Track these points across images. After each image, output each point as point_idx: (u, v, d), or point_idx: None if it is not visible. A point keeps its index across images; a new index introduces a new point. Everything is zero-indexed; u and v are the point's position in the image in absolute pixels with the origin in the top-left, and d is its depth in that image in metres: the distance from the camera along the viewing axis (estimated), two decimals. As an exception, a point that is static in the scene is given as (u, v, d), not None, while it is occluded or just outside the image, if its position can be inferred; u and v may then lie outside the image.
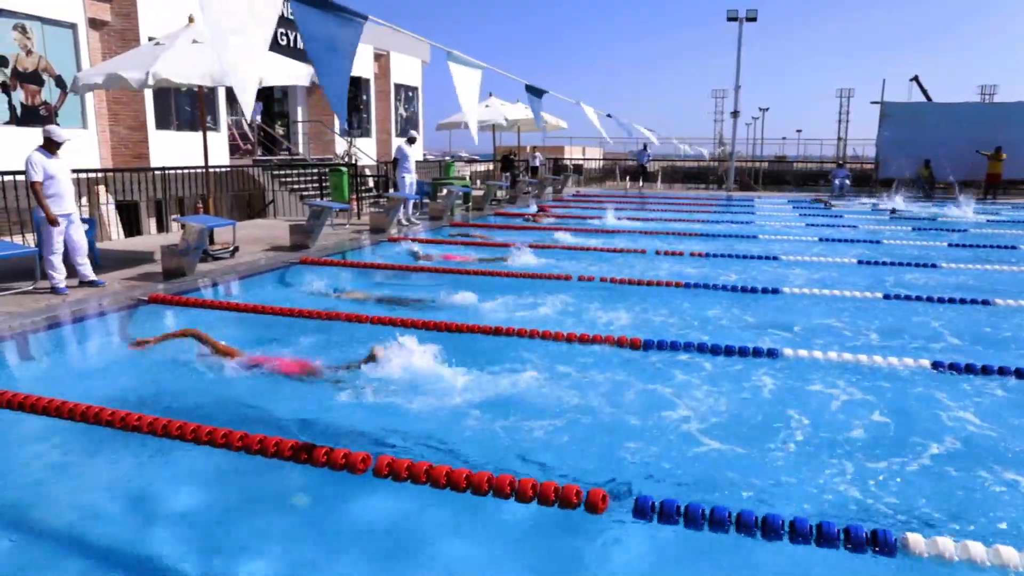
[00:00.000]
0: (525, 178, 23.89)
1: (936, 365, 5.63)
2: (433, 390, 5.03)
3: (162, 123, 16.02)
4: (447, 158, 31.38)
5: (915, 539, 3.04)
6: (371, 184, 19.02)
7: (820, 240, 13.39)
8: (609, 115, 19.20)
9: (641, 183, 27.17)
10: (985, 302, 7.90)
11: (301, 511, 3.70)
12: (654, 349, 5.93)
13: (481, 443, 4.31)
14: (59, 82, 14.18)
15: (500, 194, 20.09)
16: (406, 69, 26.55)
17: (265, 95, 20.39)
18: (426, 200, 17.04)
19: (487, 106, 18.86)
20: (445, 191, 16.24)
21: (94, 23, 15.05)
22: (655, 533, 3.31)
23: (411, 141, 15.51)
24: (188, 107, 16.32)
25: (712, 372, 5.59)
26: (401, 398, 4.89)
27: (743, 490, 3.81)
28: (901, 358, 5.75)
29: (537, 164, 26.43)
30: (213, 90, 16.37)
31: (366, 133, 24.23)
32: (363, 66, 23.63)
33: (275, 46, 18.11)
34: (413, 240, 12.16)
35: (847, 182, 26.29)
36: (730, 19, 26.75)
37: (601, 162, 38.81)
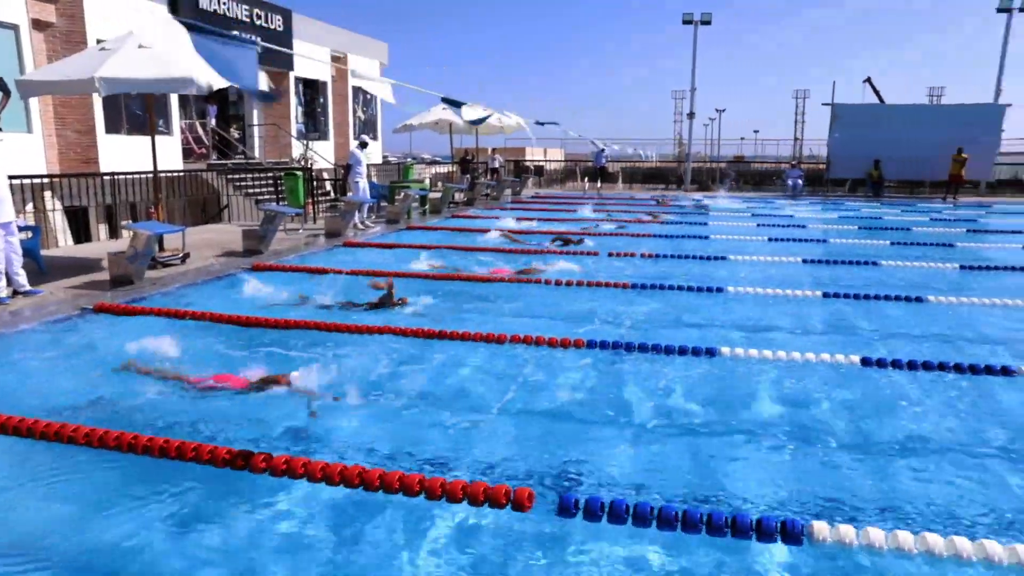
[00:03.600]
0: (484, 180, 23.97)
1: (865, 361, 5.87)
2: (376, 393, 5.10)
3: (112, 127, 15.75)
4: (409, 160, 31.34)
5: (820, 527, 3.21)
6: (328, 188, 18.96)
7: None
8: (539, 122, 19.47)
9: (599, 184, 27.45)
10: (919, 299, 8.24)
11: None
12: (596, 348, 6.07)
13: (421, 445, 4.39)
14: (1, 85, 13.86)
15: (458, 196, 20.17)
16: (365, 71, 26.43)
17: (220, 98, 20.17)
18: (383, 203, 17.04)
19: (444, 108, 18.89)
20: (402, 194, 16.26)
21: (38, 24, 14.74)
22: (582, 530, 3.43)
23: (363, 145, 15.51)
24: (139, 111, 16.07)
25: (651, 371, 5.75)
26: (344, 403, 4.94)
27: (673, 486, 3.94)
28: (833, 354, 5.97)
29: (497, 166, 26.53)
30: (164, 92, 16.15)
31: (324, 136, 24.09)
32: (321, 68, 23.50)
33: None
34: (366, 244, 12.17)
35: (800, 182, 26.89)
36: (685, 22, 27.19)
37: (563, 163, 39.07)
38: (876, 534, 3.17)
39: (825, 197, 25.94)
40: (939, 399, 5.32)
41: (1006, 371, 5.69)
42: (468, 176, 23.77)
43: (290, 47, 21.05)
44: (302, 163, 19.17)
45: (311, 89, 23.51)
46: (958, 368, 5.74)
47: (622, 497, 3.41)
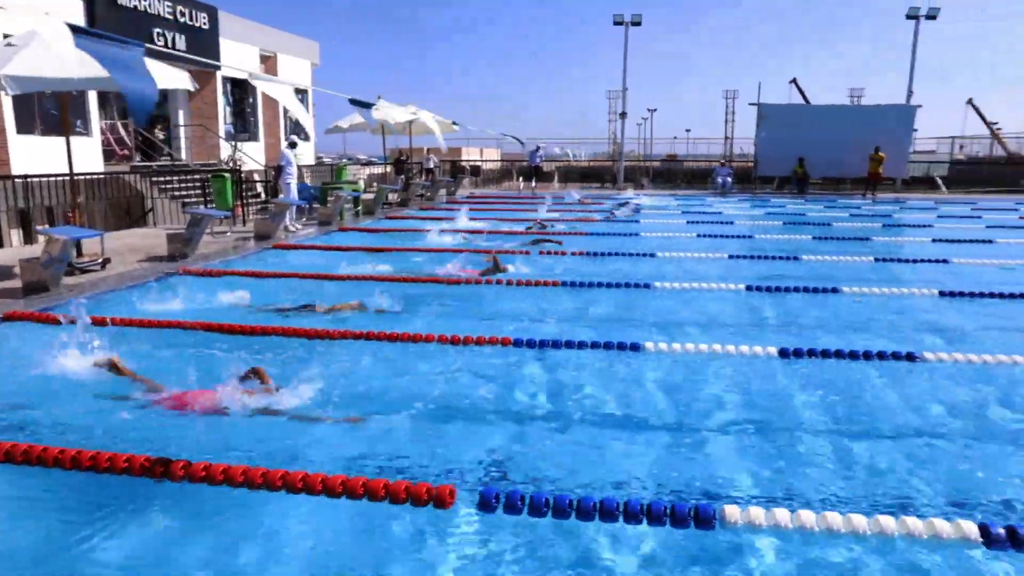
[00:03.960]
0: (418, 180, 23.88)
1: (783, 352, 6.10)
2: (305, 397, 5.04)
3: (24, 127, 15.05)
4: (344, 161, 30.90)
5: (731, 510, 3.34)
6: (260, 190, 18.57)
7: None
8: (455, 123, 19.57)
9: (534, 183, 27.65)
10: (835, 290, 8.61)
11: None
12: (523, 347, 6.14)
13: (345, 447, 4.37)
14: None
15: (392, 197, 20.03)
16: (295, 71, 25.99)
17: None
18: (316, 205, 16.80)
19: (376, 109, 18.73)
20: (334, 196, 16.07)
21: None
22: (501, 524, 3.48)
23: (292, 145, 15.28)
24: (54, 110, 15.41)
25: (577, 366, 5.85)
26: (280, 408, 4.88)
27: (595, 478, 4.03)
28: (751, 346, 6.19)
29: (431, 166, 26.46)
30: (82, 91, 15.56)
31: (253, 137, 23.58)
32: (249, 68, 22.98)
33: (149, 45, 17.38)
34: (309, 247, 12.01)
35: (729, 180, 27.67)
36: (616, 23, 27.64)
37: (499, 163, 39.21)
38: (782, 515, 3.32)
39: (754, 195, 26.77)
40: (847, 385, 5.57)
41: (911, 357, 6.00)
42: (402, 177, 23.64)
43: (216, 45, 20.55)
44: (230, 164, 18.71)
45: (240, 89, 22.97)
46: (867, 355, 6.03)
47: (540, 491, 3.48)
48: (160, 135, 20.49)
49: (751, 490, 3.88)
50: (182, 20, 18.68)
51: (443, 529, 3.50)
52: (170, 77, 9.27)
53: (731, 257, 11.43)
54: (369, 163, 36.35)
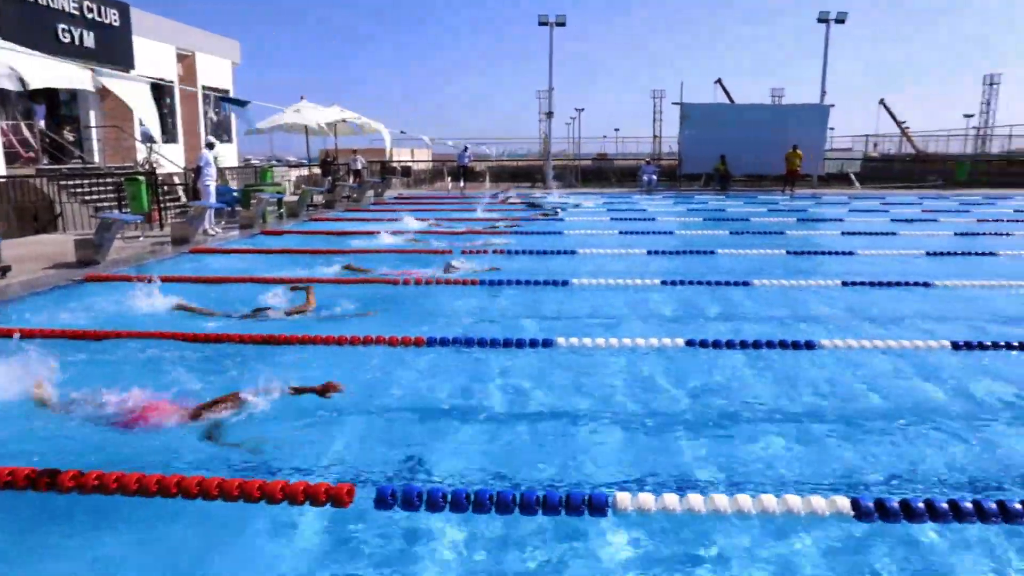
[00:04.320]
0: (345, 182, 23.57)
1: (689, 343, 6.30)
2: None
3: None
4: (272, 163, 30.25)
5: (623, 497, 3.45)
6: (180, 193, 18.01)
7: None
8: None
9: (462, 184, 27.66)
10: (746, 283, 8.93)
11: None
12: (436, 346, 6.17)
13: (245, 451, 4.31)
14: None
15: (318, 199, 19.73)
16: (215, 71, 25.30)
17: (49, 97, 18.64)
18: (239, 208, 16.41)
19: (297, 110, 18.45)
20: (256, 198, 15.73)
21: None
22: (403, 521, 3.51)
23: (210, 146, 14.91)
24: (-50, 112, 14.61)
25: (492, 364, 5.91)
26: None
27: (497, 472, 4.10)
28: (660, 338, 6.37)
29: (359, 167, 26.15)
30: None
31: (172, 139, 22.83)
32: (165, 68, 22.27)
33: (54, 44, 16.65)
34: (226, 251, 11.73)
35: (655, 178, 28.27)
36: (541, 23, 27.89)
37: (430, 163, 39.04)
38: (671, 499, 3.44)
39: (679, 192, 27.42)
40: (752, 374, 5.80)
41: (809, 345, 6.28)
42: (329, 178, 23.29)
43: (129, 44, 19.82)
44: (146, 167, 18.08)
45: (156, 88, 22.16)
46: (769, 344, 6.28)
47: (438, 486, 3.52)
48: (70, 137, 19.61)
49: (643, 476, 4.01)
50: (90, 16, 17.92)
51: (343, 528, 3.50)
52: (69, 76, 8.91)
53: (650, 253, 11.70)
54: (299, 164, 35.68)
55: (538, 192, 26.67)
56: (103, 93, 19.79)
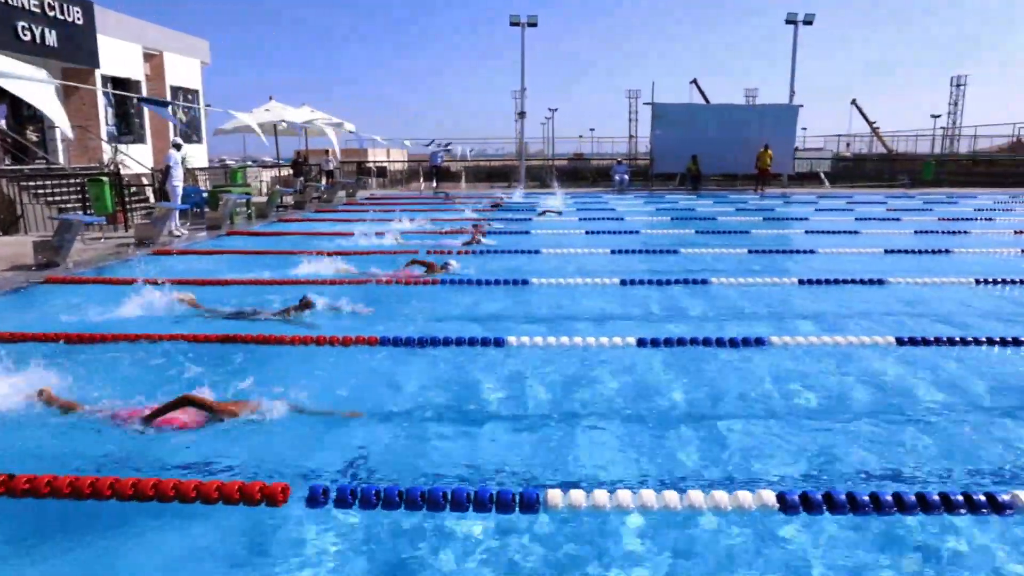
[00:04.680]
0: (316, 183, 23.46)
1: (640, 342, 6.37)
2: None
3: None
4: (247, 163, 30.00)
5: (554, 494, 3.50)
6: (149, 194, 17.80)
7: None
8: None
9: (435, 184, 27.63)
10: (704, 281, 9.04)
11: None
12: (390, 345, 6.20)
13: (181, 452, 4.31)
14: None
15: (287, 199, 19.64)
16: (183, 70, 25.02)
17: (11, 97, 18.32)
18: (206, 209, 16.30)
19: (267, 110, 18.34)
20: (223, 200, 15.64)
21: None
22: (332, 518, 3.53)
23: (177, 147, 14.80)
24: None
25: (442, 362, 5.96)
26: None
27: (422, 469, 4.13)
28: (611, 337, 6.44)
29: (331, 167, 26.06)
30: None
31: (140, 139, 22.57)
32: (131, 67, 22.01)
33: (14, 42, 16.39)
34: (190, 252, 11.65)
35: (627, 177, 28.44)
36: (512, 24, 27.94)
37: (406, 164, 38.96)
38: (601, 496, 3.50)
39: (651, 191, 27.60)
40: (703, 372, 5.87)
41: (759, 342, 6.39)
42: (301, 179, 23.19)
43: (93, 43, 19.56)
44: (111, 168, 17.86)
45: (121, 88, 21.91)
46: (719, 342, 6.37)
47: (370, 484, 3.55)
48: (33, 137, 19.31)
49: (573, 474, 4.07)
50: (51, 14, 17.65)
51: (276, 528, 3.52)
52: (25, 84, 8.77)
53: (613, 252, 11.78)
54: (275, 165, 35.46)
55: (499, 192, 26.57)
56: (67, 92, 19.55)
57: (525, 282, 8.90)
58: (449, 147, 28.72)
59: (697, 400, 5.29)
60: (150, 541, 3.51)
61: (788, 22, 28.29)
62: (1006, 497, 3.50)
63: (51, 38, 17.74)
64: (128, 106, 22.07)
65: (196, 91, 25.93)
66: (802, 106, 28.74)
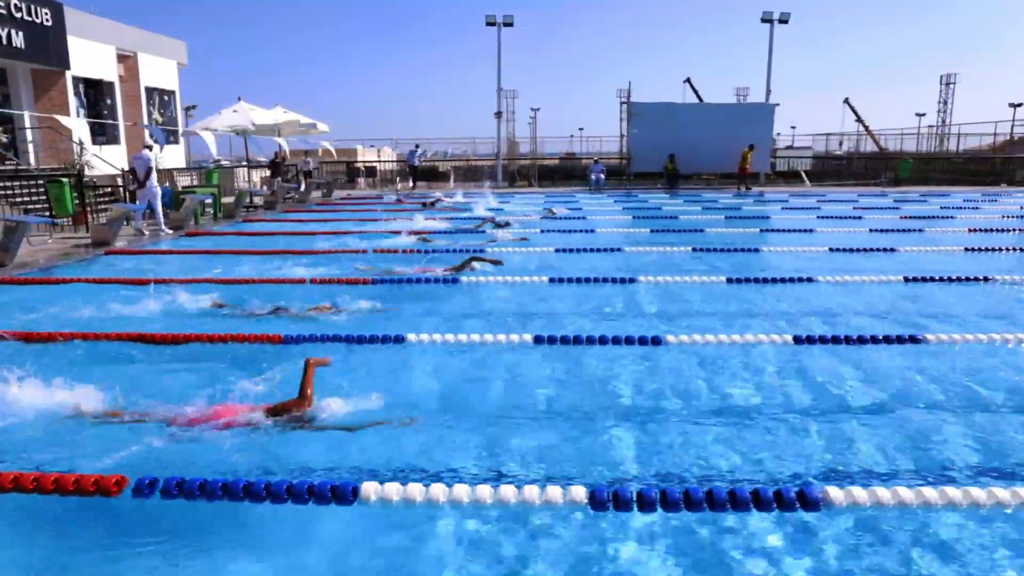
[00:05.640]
0: (293, 183, 23.60)
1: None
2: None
3: None
4: (224, 164, 30.05)
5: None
6: (123, 194, 17.90)
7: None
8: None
9: (412, 184, 27.75)
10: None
11: None
12: (296, 344, 6.31)
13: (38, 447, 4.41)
14: None
15: (258, 200, 19.77)
16: (159, 71, 25.16)
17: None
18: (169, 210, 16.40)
19: (235, 111, 18.46)
20: (186, 200, 15.78)
21: None
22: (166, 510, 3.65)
23: (149, 148, 15.02)
24: None
25: (375, 358, 6.12)
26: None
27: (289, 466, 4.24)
28: (521, 335, 6.55)
29: (310, 168, 26.21)
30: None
31: (114, 140, 22.70)
32: (105, 68, 22.14)
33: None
34: (139, 252, 11.77)
35: (602, 176, 28.51)
36: (488, 24, 28.04)
37: (396, 164, 39.05)
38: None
39: (627, 191, 27.70)
40: (623, 370, 5.94)
41: (655, 341, 6.46)
42: (278, 179, 23.32)
43: (64, 44, 19.68)
44: (77, 169, 17.97)
45: (95, 90, 22.07)
46: (641, 341, 6.43)
47: (200, 476, 3.66)
48: (3, 138, 19.45)
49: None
50: (19, 16, 17.78)
51: (110, 519, 3.64)
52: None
53: (558, 251, 11.87)
54: (258, 166, 35.56)
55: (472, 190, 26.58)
56: (37, 93, 19.71)
57: (455, 281, 9.01)
58: (418, 148, 28.79)
59: (630, 398, 5.36)
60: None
61: (764, 21, 28.39)
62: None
63: (19, 40, 17.87)
64: (101, 107, 22.20)
65: (172, 92, 26.06)
66: (778, 105, 28.88)
